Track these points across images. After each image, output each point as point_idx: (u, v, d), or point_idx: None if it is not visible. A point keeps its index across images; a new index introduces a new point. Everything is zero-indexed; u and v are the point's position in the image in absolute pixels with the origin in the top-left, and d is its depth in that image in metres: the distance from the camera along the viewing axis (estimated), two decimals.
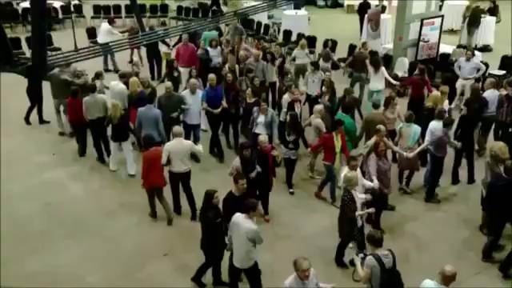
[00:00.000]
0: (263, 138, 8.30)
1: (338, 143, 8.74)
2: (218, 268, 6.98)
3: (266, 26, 18.55)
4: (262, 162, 8.07)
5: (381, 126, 8.46)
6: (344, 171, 7.53)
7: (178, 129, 8.55)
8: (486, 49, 16.51)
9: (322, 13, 22.61)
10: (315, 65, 11.74)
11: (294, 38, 17.11)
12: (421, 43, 14.21)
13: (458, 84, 12.26)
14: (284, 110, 10.14)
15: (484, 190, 7.85)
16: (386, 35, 16.46)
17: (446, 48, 14.84)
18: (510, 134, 9.84)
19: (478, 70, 12.24)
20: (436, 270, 5.50)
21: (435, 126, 8.74)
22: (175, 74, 11.77)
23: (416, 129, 8.93)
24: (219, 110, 10.32)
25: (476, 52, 13.55)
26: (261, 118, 9.43)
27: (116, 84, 10.83)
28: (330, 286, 5.76)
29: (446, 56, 14.37)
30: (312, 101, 11.42)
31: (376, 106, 9.57)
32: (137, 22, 15.53)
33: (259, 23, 18.55)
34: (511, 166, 7.15)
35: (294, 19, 18.33)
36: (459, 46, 15.31)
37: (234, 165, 7.84)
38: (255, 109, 9.55)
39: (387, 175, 7.99)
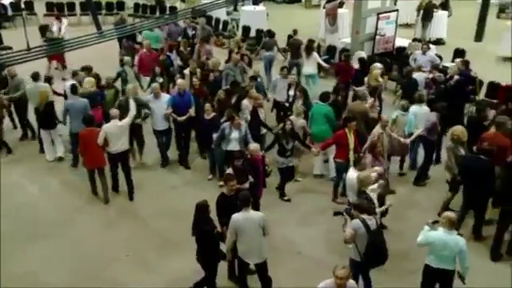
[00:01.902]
0: (254, 146, 7.98)
1: (351, 139, 8.58)
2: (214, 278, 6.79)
3: (225, 23, 18.49)
4: (252, 171, 7.71)
5: (383, 116, 9.06)
6: (353, 172, 7.44)
7: (114, 111, 8.90)
8: (439, 42, 16.96)
9: (280, 8, 22.69)
10: (284, 70, 11.40)
11: (252, 33, 17.14)
12: (377, 37, 14.49)
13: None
14: (245, 116, 9.69)
15: (448, 174, 8.17)
16: (343, 30, 16.65)
17: (401, 41, 15.18)
18: None
19: (433, 63, 12.56)
20: None
21: (416, 110, 9.26)
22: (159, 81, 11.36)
23: (411, 117, 9.25)
24: (184, 118, 9.75)
25: (431, 45, 13.89)
26: (234, 134, 8.76)
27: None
28: None
29: (402, 49, 14.69)
30: (281, 106, 11.13)
31: (362, 98, 9.85)
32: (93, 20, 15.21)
33: (218, 20, 18.46)
34: (488, 146, 7.49)
35: (252, 15, 18.30)
36: (414, 40, 15.71)
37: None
38: (226, 125, 8.89)
39: (384, 175, 7.94)
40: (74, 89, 9.96)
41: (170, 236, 8.10)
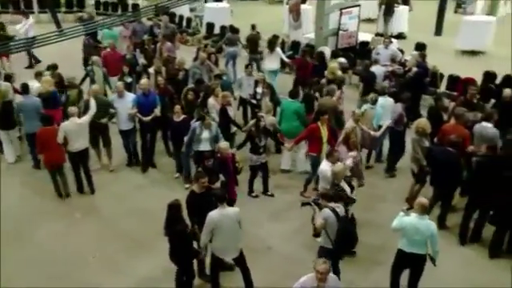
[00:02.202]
0: (224, 145, 7.92)
1: (324, 133, 8.66)
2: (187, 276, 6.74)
3: (189, 20, 18.36)
4: (223, 170, 7.67)
5: (356, 110, 9.13)
6: (326, 165, 7.49)
7: (72, 109, 8.77)
8: (400, 36, 17.30)
9: (244, 5, 22.67)
10: (248, 67, 11.32)
11: (217, 30, 17.07)
12: (340, 32, 14.64)
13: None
14: (212, 115, 9.52)
15: (415, 166, 8.35)
16: (307, 25, 16.77)
17: (364, 36, 15.40)
18: None
19: (396, 57, 12.79)
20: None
21: (382, 102, 9.55)
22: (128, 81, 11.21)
23: (379, 110, 9.47)
24: (149, 118, 9.58)
25: (392, 39, 14.14)
26: (205, 134, 8.63)
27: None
28: None
29: (365, 44, 14.90)
30: (247, 104, 11.09)
31: (330, 93, 9.92)
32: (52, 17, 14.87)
33: (181, 16, 18.30)
34: (455, 138, 7.65)
35: (216, 12, 18.26)
36: (377, 34, 15.98)
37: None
38: (196, 125, 8.72)
39: (358, 166, 8.06)
40: (24, 88, 9.76)
41: (138, 236, 8.01)
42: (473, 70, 12.19)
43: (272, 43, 12.80)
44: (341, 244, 6.27)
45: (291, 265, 7.15)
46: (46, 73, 10.84)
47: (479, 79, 11.82)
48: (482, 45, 15.95)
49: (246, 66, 11.42)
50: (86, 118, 8.90)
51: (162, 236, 7.64)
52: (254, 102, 10.72)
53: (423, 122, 8.40)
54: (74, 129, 8.65)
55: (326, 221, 6.18)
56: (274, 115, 9.72)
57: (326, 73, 11.31)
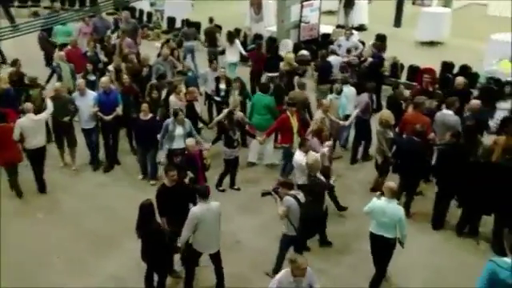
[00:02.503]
0: (190, 141, 7.81)
1: (294, 123, 8.71)
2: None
3: (149, 14, 18.08)
4: (191, 167, 7.57)
5: (323, 101, 9.24)
6: (300, 154, 7.52)
7: (27, 105, 8.60)
8: (361, 28, 17.50)
9: None
10: (212, 63, 11.22)
11: (178, 24, 16.87)
12: (302, 25, 14.72)
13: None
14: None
15: (379, 157, 8.47)
16: (269, 18, 16.76)
17: (326, 28, 15.53)
18: None
19: (356, 49, 12.95)
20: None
21: (345, 91, 9.74)
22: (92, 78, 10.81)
23: (344, 100, 9.64)
24: (110, 117, 9.37)
25: (353, 31, 14.29)
26: (179, 130, 8.46)
27: None
28: None
29: (326, 36, 15.02)
30: (212, 99, 10.91)
31: (301, 86, 10.01)
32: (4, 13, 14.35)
33: (141, 11, 18.00)
34: (420, 128, 7.78)
35: (176, 6, 18.04)
36: (338, 26, 16.12)
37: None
38: (169, 121, 8.55)
39: (331, 157, 8.12)
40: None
41: (103, 235, 7.88)
42: (432, 61, 12.50)
43: (231, 36, 12.80)
44: (304, 230, 6.43)
45: (260, 258, 7.18)
46: (9, 69, 10.41)
47: (438, 69, 12.13)
48: (439, 36, 16.33)
49: (211, 61, 11.31)
50: (43, 116, 8.72)
51: (128, 234, 7.52)
52: (218, 99, 10.60)
53: (386, 113, 8.52)
54: (31, 125, 8.44)
55: (288, 208, 6.28)
56: (245, 109, 9.68)
57: (281, 64, 11.47)
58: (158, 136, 8.71)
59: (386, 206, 6.23)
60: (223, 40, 13.31)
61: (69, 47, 12.14)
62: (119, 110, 9.45)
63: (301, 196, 6.46)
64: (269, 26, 16.00)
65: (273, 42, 14.13)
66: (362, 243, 7.42)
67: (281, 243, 6.75)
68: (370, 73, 11.24)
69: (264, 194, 6.82)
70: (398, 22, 17.97)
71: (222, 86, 10.51)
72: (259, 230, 7.94)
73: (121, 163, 9.92)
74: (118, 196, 8.87)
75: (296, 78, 10.75)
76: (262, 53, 12.42)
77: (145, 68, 11.02)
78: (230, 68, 12.52)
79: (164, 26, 17.69)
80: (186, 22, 14.56)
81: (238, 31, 14.90)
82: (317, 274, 5.49)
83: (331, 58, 11.70)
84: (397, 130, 8.82)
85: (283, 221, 6.45)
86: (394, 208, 6.24)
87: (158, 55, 12.27)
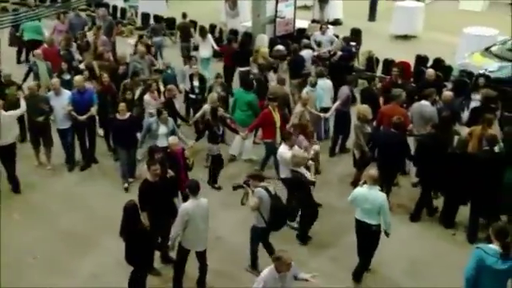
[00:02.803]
0: (173, 139, 7.70)
1: (277, 118, 8.72)
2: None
3: (123, 10, 17.83)
4: (172, 165, 7.47)
5: (302, 94, 9.34)
6: (284, 148, 7.53)
7: None
8: (336, 22, 17.59)
9: None
10: (190, 58, 11.08)
11: (152, 21, 16.67)
12: (278, 20, 14.72)
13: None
14: (149, 111, 9.31)
15: (357, 152, 8.55)
16: (244, 13, 16.72)
17: (301, 23, 15.56)
18: None
19: (332, 43, 13.02)
20: None
21: (321, 84, 9.88)
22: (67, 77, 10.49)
23: (320, 92, 9.73)
24: (84, 117, 9.15)
25: (329, 26, 14.37)
26: (162, 129, 8.35)
27: None
28: (309, 276, 5.41)
29: (302, 31, 15.05)
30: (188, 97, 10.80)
31: (281, 82, 10.07)
32: None
33: (115, 7, 17.75)
34: (398, 120, 7.88)
35: (151, 2, 17.79)
36: (313, 21, 16.17)
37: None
38: (152, 120, 8.48)
39: (318, 153, 8.17)
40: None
41: (81, 234, 7.77)
42: (406, 54, 12.68)
43: (203, 31, 12.76)
44: (274, 221, 6.51)
45: (240, 254, 7.17)
46: None
47: (413, 62, 12.29)
48: (413, 30, 16.54)
49: (186, 57, 11.19)
50: (14, 112, 8.54)
51: (106, 232, 7.55)
52: (192, 96, 10.51)
53: (363, 108, 8.56)
54: (2, 121, 8.23)
55: (260, 199, 6.35)
56: (227, 105, 9.71)
57: (251, 59, 11.68)
58: (138, 134, 8.60)
59: (368, 193, 6.38)
60: (197, 35, 13.17)
61: (45, 45, 11.80)
62: (93, 110, 9.26)
63: (272, 188, 6.53)
64: (244, 22, 15.93)
65: (248, 37, 14.09)
66: (342, 237, 7.55)
67: (251, 236, 6.81)
68: (341, 66, 11.40)
69: (235, 188, 6.87)
70: (372, 17, 18.12)
71: (196, 83, 10.44)
72: (240, 225, 7.88)
73: (98, 162, 9.75)
74: (95, 195, 8.75)
75: (277, 74, 10.76)
76: (233, 47, 12.37)
77: (122, 66, 10.84)
78: (202, 63, 12.45)
79: (138, 22, 17.47)
80: (154, 18, 14.41)
81: (213, 27, 14.86)
82: (296, 265, 5.51)
83: (303, 52, 11.73)
84: (374, 123, 8.90)
85: (254, 213, 6.54)
86: (376, 194, 6.38)
87: (134, 53, 12.06)
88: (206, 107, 9.10)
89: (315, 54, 11.98)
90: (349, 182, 8.86)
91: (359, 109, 8.61)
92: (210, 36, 12.91)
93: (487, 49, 12.44)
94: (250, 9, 15.36)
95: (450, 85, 10.84)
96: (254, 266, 6.92)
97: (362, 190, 6.49)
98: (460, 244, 7.52)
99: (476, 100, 9.46)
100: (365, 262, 6.71)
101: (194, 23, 14.38)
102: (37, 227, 7.95)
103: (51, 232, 7.86)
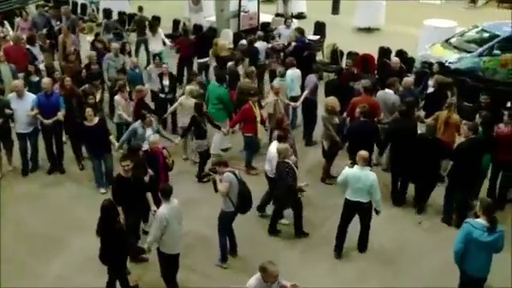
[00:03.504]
0: (154, 138, 7.59)
1: (257, 112, 8.79)
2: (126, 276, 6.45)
3: (83, 6, 17.43)
4: (151, 165, 7.35)
5: (274, 84, 9.57)
6: (274, 145, 7.54)
7: None
8: (300, 16, 17.67)
9: None
10: (159, 58, 10.87)
11: (115, 16, 16.36)
12: (242, 14, 14.68)
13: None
14: (119, 112, 9.22)
15: (326, 143, 8.63)
16: (208, 8, 16.60)
17: (265, 17, 15.56)
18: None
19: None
20: None
21: (291, 74, 10.06)
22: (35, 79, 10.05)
23: (289, 81, 9.97)
24: (50, 121, 8.83)
25: (293, 19, 14.42)
26: (148, 132, 8.21)
27: None
28: (290, 284, 5.19)
29: (266, 25, 15.05)
30: (157, 97, 10.53)
31: (249, 75, 10.10)
32: None
33: (75, 3, 17.34)
34: (368, 109, 8.07)
35: None
36: (277, 15, 16.18)
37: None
38: (137, 125, 8.28)
39: (293, 147, 8.12)
40: None
41: (47, 236, 7.62)
42: (370, 46, 12.81)
43: (154, 25, 12.79)
44: (242, 205, 6.64)
45: (210, 248, 7.16)
46: None
47: (376, 55, 12.45)
48: (376, 22, 16.77)
49: (154, 57, 10.99)
50: None
51: (73, 233, 7.51)
52: (162, 95, 10.30)
53: (332, 100, 8.65)
54: None
55: (230, 183, 6.45)
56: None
57: (210, 51, 11.90)
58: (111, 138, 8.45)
59: (360, 173, 6.74)
60: (147, 30, 13.19)
61: (10, 43, 11.35)
62: (60, 115, 8.91)
63: (238, 172, 6.68)
64: (208, 17, 15.85)
65: (214, 32, 14.03)
66: (312, 231, 7.61)
67: (220, 222, 6.84)
68: (295, 57, 11.38)
69: (203, 176, 6.88)
70: (335, 10, 18.18)
71: (166, 82, 10.29)
72: (208, 219, 7.80)
73: (65, 171, 9.37)
74: (61, 196, 8.62)
75: (244, 68, 10.73)
76: (189, 39, 12.46)
77: (93, 66, 10.56)
78: (155, 57, 12.14)
79: (100, 18, 17.10)
80: (105, 13, 14.17)
81: (177, 22, 14.70)
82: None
83: (258, 44, 11.81)
84: (344, 114, 8.99)
85: (222, 198, 6.61)
86: (367, 174, 6.76)
87: (103, 49, 11.65)
88: (182, 99, 9.20)
89: (269, 45, 12.10)
90: (316, 172, 8.95)
91: (327, 101, 8.68)
92: (160, 30, 12.98)
93: (447, 40, 12.72)
94: (214, 4, 15.28)
95: (412, 76, 11.01)
96: (224, 260, 6.98)
97: (353, 171, 6.80)
98: (427, 230, 7.72)
99: (431, 86, 9.75)
100: (365, 229, 7.16)
101: (157, 19, 14.20)
102: (1, 229, 7.69)
103: (17, 234, 7.68)
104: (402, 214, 8.15)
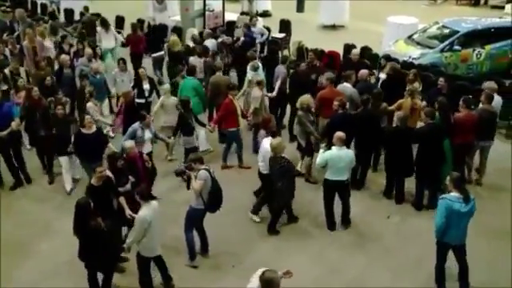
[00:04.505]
0: (129, 143, 7.33)
1: (238, 106, 8.98)
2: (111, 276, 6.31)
3: (43, 6, 17.00)
4: (131, 171, 7.14)
5: (258, 78, 9.63)
6: (266, 141, 7.55)
7: None
8: (265, 14, 17.72)
9: None
10: (122, 62, 10.50)
11: (76, 16, 16.05)
12: (207, 13, 14.60)
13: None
14: (96, 118, 8.87)
15: (301, 141, 8.69)
16: (172, 7, 16.44)
17: (230, 16, 15.51)
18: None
19: (263, 35, 13.12)
20: None
21: (278, 70, 10.33)
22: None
23: (262, 75, 10.23)
24: (5, 132, 8.34)
25: (258, 18, 14.43)
26: (148, 134, 8.14)
27: None
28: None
29: (231, 23, 15.01)
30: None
31: (218, 68, 10.21)
32: None
33: (34, 3, 16.90)
34: (341, 101, 8.30)
35: None
36: (242, 13, 16.16)
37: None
38: (137, 126, 8.03)
39: None
40: None
41: (13, 242, 7.40)
42: (335, 43, 12.93)
43: (105, 22, 12.85)
44: (213, 203, 6.63)
45: (182, 244, 7.07)
46: None
47: (341, 51, 12.59)
48: (341, 19, 16.96)
49: (118, 61, 10.71)
50: None
51: (40, 238, 7.38)
52: (141, 101, 9.96)
53: (306, 98, 8.67)
54: None
55: (204, 181, 6.45)
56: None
57: (164, 46, 12.24)
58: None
59: (341, 153, 7.22)
60: (99, 28, 12.99)
61: None
62: (14, 125, 8.45)
63: (212, 171, 6.64)
64: (173, 16, 15.70)
65: (159, 26, 14.05)
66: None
67: (188, 218, 6.80)
68: (243, 51, 11.72)
69: (178, 174, 6.93)
70: (300, 8, 18.25)
71: (146, 85, 10.09)
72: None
73: (31, 181, 9.00)
74: (25, 199, 8.49)
75: (217, 62, 10.72)
76: (138, 36, 12.69)
77: (66, 70, 10.29)
78: (105, 54, 12.31)
79: (61, 19, 16.70)
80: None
81: (141, 22, 14.49)
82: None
83: (207, 42, 11.88)
84: (313, 109, 8.96)
85: (195, 195, 6.58)
86: (347, 152, 7.32)
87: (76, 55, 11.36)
88: (163, 99, 9.27)
89: (219, 40, 12.20)
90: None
91: (302, 99, 8.64)
92: (112, 28, 13.11)
93: (410, 37, 12.98)
94: (179, 3, 15.15)
95: (376, 72, 11.18)
96: (192, 258, 6.96)
97: (333, 152, 7.20)
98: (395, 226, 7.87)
99: (385, 73, 10.05)
100: (346, 204, 7.61)
101: (121, 18, 14.01)
102: None
103: None
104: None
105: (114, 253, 6.34)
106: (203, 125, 9.30)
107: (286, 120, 10.36)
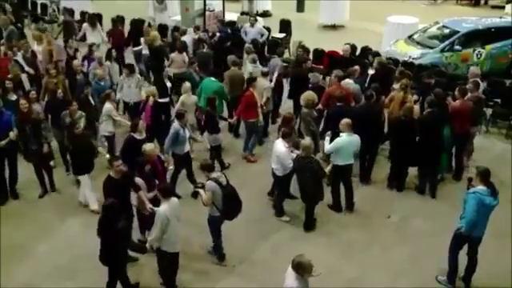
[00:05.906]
0: (150, 147, 7.10)
1: (257, 98, 9.18)
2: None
3: (44, 6, 16.99)
4: (153, 175, 7.07)
5: (263, 69, 9.99)
6: (281, 143, 7.55)
7: None
8: (266, 14, 17.71)
9: None
10: (130, 67, 10.30)
11: (77, 16, 16.05)
12: (207, 13, 14.59)
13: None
14: (117, 118, 8.91)
15: (306, 137, 8.41)
16: (173, 7, 16.44)
17: (231, 16, 15.51)
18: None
19: (262, 35, 13.10)
20: None
21: (274, 62, 10.62)
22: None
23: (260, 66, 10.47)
24: (4, 142, 8.06)
25: (258, 18, 14.43)
26: (187, 133, 8.12)
27: None
28: None
29: (232, 23, 15.00)
30: (131, 109, 10.10)
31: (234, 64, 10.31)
32: None
33: (34, 3, 16.89)
34: (343, 95, 8.55)
35: None
36: (243, 13, 16.16)
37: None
38: (178, 126, 7.93)
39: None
40: None
41: (10, 244, 7.39)
42: (336, 43, 12.90)
43: (93, 19, 13.28)
44: (228, 210, 6.61)
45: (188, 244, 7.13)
46: None
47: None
48: (341, 19, 16.94)
49: (122, 67, 10.62)
50: None
51: (37, 239, 7.37)
52: (166, 100, 9.89)
53: (310, 94, 8.72)
54: None
55: (212, 193, 6.44)
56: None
57: (142, 39, 12.35)
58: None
59: (351, 138, 7.60)
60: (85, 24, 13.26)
61: None
62: (12, 135, 8.17)
63: (222, 179, 6.58)
64: (173, 16, 15.71)
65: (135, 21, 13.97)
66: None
67: (209, 226, 6.88)
68: (219, 46, 12.13)
69: (194, 194, 7.19)
70: (300, 7, 18.37)
71: (168, 83, 10.15)
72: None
73: (19, 197, 8.57)
74: (23, 203, 8.43)
75: (230, 57, 10.63)
76: (119, 30, 13.27)
77: (78, 76, 10.17)
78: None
79: (61, 18, 16.70)
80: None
81: (141, 22, 14.47)
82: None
83: (185, 37, 12.12)
84: (320, 106, 9.02)
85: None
86: (355, 137, 7.67)
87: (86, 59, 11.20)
88: (184, 98, 9.28)
89: (196, 36, 12.40)
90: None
91: (306, 96, 8.69)
92: (99, 25, 13.41)
93: (410, 36, 12.98)
94: (179, 3, 15.15)
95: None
96: (221, 259, 7.03)
97: (344, 139, 7.55)
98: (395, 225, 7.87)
99: (373, 68, 10.17)
100: (350, 189, 7.98)
101: (121, 18, 14.00)
102: None
103: None
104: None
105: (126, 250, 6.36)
106: (225, 119, 9.69)
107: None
